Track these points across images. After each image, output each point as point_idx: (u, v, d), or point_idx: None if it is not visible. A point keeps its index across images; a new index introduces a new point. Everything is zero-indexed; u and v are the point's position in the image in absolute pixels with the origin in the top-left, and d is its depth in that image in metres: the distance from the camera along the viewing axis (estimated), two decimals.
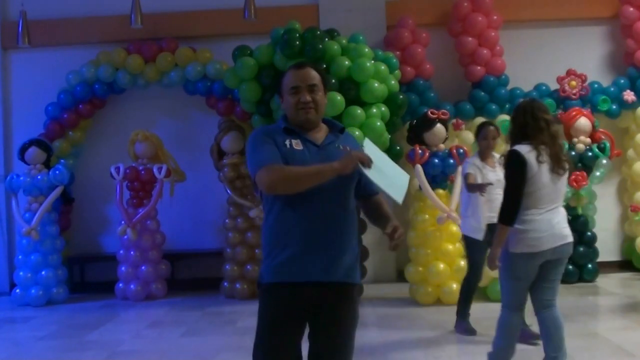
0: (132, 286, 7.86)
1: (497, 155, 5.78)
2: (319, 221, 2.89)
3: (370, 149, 2.92)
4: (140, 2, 7.60)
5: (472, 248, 5.75)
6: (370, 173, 2.81)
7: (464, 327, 5.86)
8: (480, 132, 5.80)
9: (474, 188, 5.51)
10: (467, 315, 5.91)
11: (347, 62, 7.02)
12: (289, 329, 2.92)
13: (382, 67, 7.16)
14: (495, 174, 5.59)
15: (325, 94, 3.05)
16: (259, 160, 2.89)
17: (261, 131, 3.02)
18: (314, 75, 2.99)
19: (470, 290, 5.93)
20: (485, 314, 6.49)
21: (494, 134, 5.75)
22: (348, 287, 2.98)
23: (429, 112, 7.14)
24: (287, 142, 2.92)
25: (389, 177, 2.91)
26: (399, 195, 2.90)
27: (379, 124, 6.94)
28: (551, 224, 4.06)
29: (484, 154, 5.76)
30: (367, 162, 2.79)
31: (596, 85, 8.35)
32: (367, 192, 3.07)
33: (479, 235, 5.60)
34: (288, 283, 2.90)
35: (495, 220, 4.27)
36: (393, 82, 7.32)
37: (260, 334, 2.94)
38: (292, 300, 2.90)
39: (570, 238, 4.17)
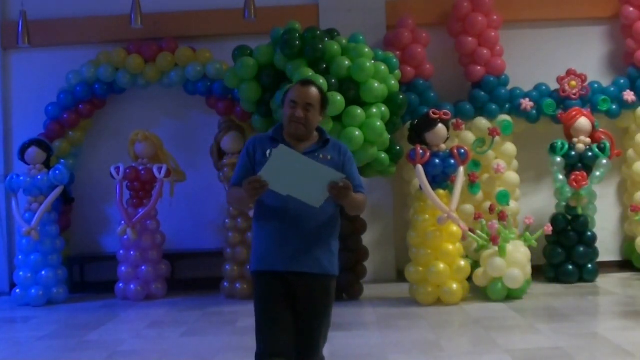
0: (132, 286, 7.86)
1: None
2: (290, 219, 3.34)
3: (275, 159, 3.18)
4: (140, 2, 7.58)
5: None
6: (276, 188, 3.20)
7: None
8: None
9: None
10: None
11: (347, 62, 7.02)
12: (275, 303, 3.38)
13: (382, 67, 7.16)
14: None
15: (321, 112, 3.49)
16: (232, 179, 3.57)
17: (250, 143, 3.53)
18: (314, 95, 3.42)
19: None
20: (486, 313, 6.52)
21: None
22: (319, 277, 3.42)
23: (431, 112, 7.14)
24: (269, 152, 3.36)
25: (303, 182, 3.20)
26: (315, 200, 3.24)
27: (379, 124, 6.93)
28: None
29: None
30: (261, 186, 3.20)
31: (596, 85, 8.34)
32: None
33: None
34: (266, 271, 3.43)
35: None
36: (393, 82, 7.31)
37: (256, 311, 3.45)
38: (272, 282, 3.40)
39: None
